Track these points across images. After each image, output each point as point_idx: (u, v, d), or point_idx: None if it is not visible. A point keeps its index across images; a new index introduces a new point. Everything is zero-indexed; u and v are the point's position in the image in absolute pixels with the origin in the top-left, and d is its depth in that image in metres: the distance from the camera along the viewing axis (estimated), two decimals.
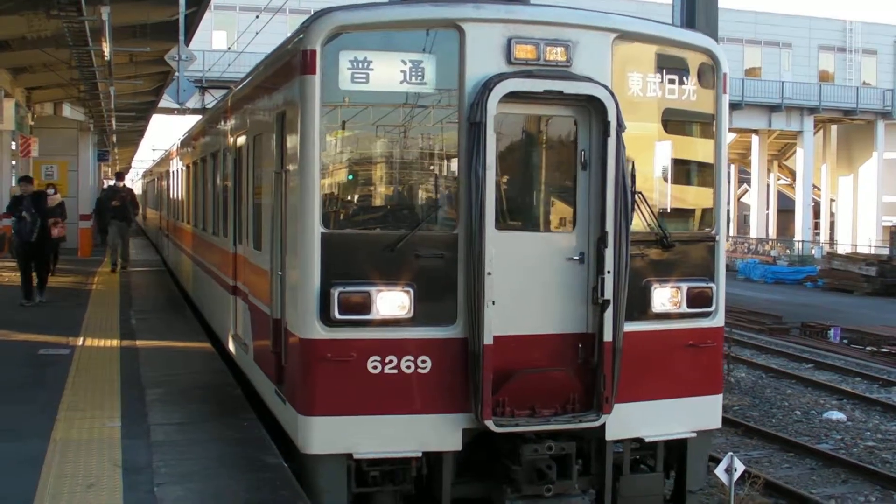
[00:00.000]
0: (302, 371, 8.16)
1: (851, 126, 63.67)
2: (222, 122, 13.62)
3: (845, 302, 36.98)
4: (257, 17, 29.49)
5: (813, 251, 55.06)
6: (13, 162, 28.88)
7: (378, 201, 8.72)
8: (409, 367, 8.04)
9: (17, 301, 19.01)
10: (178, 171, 22.53)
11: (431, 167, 8.59)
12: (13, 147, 28.60)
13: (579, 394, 8.34)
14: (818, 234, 66.10)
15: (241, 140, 11.64)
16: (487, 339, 7.96)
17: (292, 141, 8.39)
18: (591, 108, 8.35)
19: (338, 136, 8.30)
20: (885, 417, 17.22)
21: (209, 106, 34.47)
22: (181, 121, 44.16)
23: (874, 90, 62.41)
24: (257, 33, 28.31)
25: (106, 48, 19.15)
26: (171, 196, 25.01)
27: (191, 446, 9.16)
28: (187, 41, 23.35)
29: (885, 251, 48.58)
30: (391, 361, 8.01)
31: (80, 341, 14.96)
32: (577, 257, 8.45)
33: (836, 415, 17.13)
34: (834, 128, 64.72)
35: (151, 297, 21.39)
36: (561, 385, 8.33)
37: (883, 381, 20.56)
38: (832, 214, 66.79)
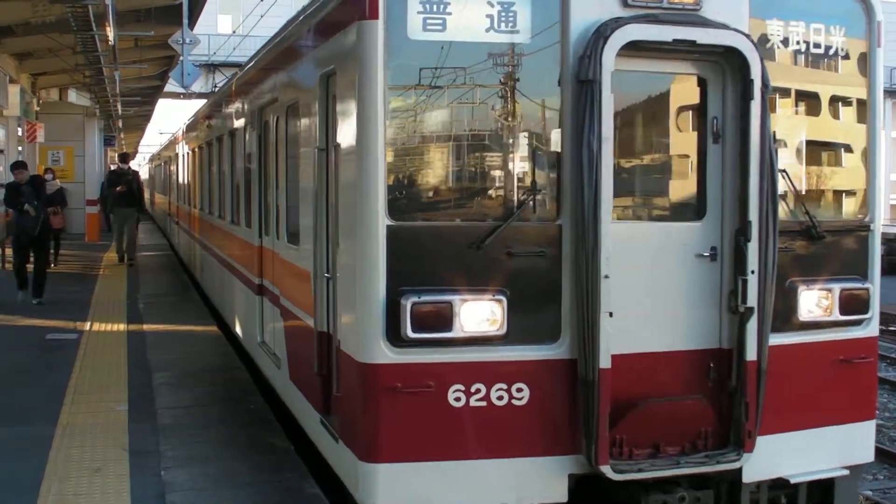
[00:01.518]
0: (363, 405, 6.41)
1: None
2: (243, 95, 11.95)
3: None
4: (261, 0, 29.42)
5: None
6: (20, 148, 28.89)
7: (458, 184, 6.87)
8: (500, 399, 6.39)
9: (15, 298, 17.27)
10: (190, 153, 20.78)
11: (526, 140, 6.80)
12: (19, 133, 28.61)
13: (712, 426, 6.72)
14: None
15: (270, 113, 9.94)
16: (604, 362, 6.30)
17: (345, 109, 6.72)
18: (726, 64, 6.72)
19: (406, 101, 6.57)
20: (894, 396, 17.19)
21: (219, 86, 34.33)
22: (188, 105, 44.10)
23: None
24: (262, 16, 28.25)
25: (110, 33, 19.15)
26: (182, 180, 23.38)
27: (198, 430, 9.18)
28: (191, 25, 23.34)
29: (893, 230, 48.45)
30: (478, 391, 6.36)
31: (87, 326, 15.02)
32: (707, 253, 6.81)
33: None
34: None
35: (158, 281, 21.44)
36: (690, 416, 6.70)
37: (891, 359, 20.52)
38: None
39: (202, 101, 26.42)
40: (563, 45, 6.46)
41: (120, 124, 49.03)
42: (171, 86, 34.69)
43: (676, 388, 6.75)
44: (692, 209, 6.97)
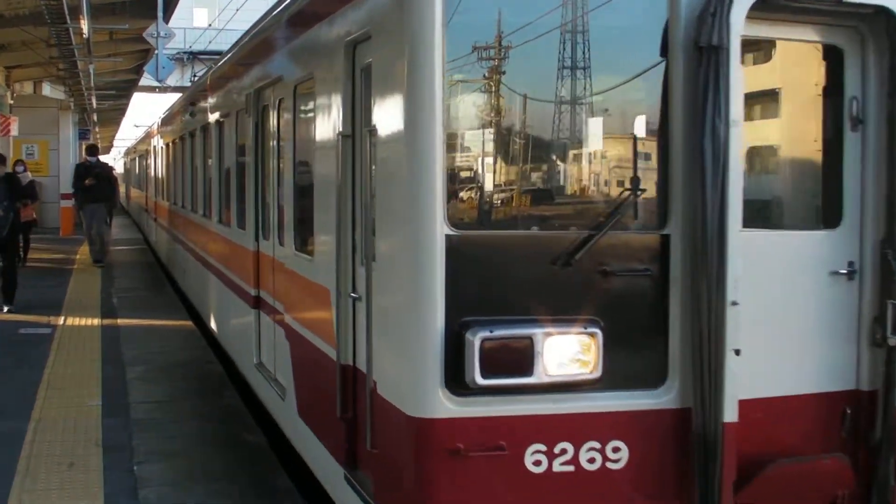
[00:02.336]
0: (413, 471, 4.97)
1: None
2: (235, 77, 10.60)
3: None
4: None
5: None
6: None
7: (536, 182, 5.43)
8: (592, 461, 4.99)
9: None
10: (170, 145, 19.37)
11: (623, 126, 5.40)
12: None
13: (850, 488, 5.34)
14: None
15: (271, 94, 8.55)
16: (729, 414, 4.93)
17: (386, 84, 5.26)
18: (868, 32, 5.33)
19: (472, 71, 5.13)
20: None
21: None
22: (163, 98, 44.04)
23: None
24: (238, 10, 28.18)
25: (84, 25, 19.06)
26: (161, 174, 22.12)
27: (171, 424, 9.18)
28: (167, 18, 23.32)
29: None
30: (564, 452, 4.96)
31: (61, 320, 14.95)
32: (844, 270, 5.42)
33: None
34: None
35: (133, 276, 21.35)
36: (825, 477, 5.34)
37: None
38: None
39: (177, 95, 26.13)
40: (672, 1, 5.06)
41: (95, 118, 48.82)
42: (147, 79, 34.61)
43: (805, 441, 5.39)
44: (824, 214, 5.57)
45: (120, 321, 14.94)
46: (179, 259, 17.67)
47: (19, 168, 20.71)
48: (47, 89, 33.57)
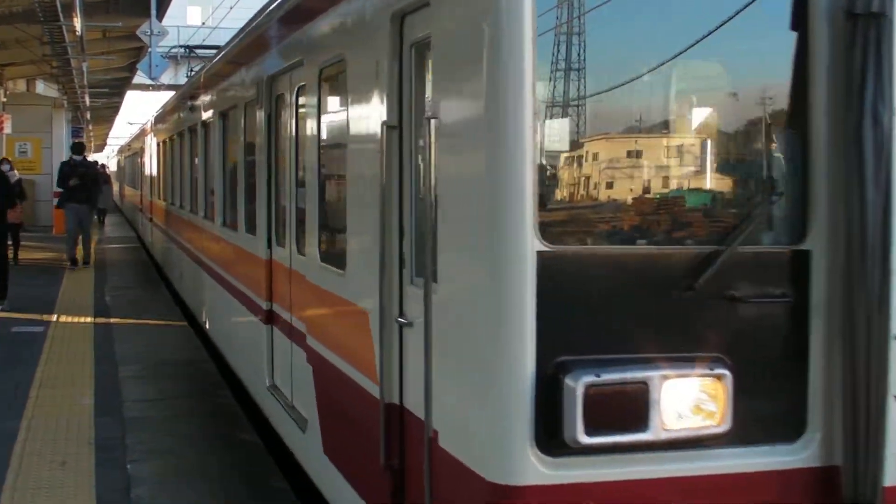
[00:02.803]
0: None
1: None
2: (243, 64, 9.69)
3: None
4: None
5: None
6: None
7: (648, 187, 4.30)
8: None
9: None
10: (167, 142, 18.56)
11: (751, 114, 4.39)
12: None
13: None
14: None
15: (287, 82, 7.65)
16: (891, 475, 4.01)
17: (453, 62, 4.28)
18: None
19: (568, 44, 4.09)
20: None
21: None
22: (156, 96, 43.98)
23: None
24: (231, 8, 28.18)
25: (77, 23, 19.04)
26: (157, 173, 21.38)
27: (164, 423, 9.14)
28: (160, 16, 23.29)
29: None
30: None
31: (53, 318, 14.90)
32: None
33: None
34: None
35: (126, 275, 21.31)
36: None
37: None
38: None
39: (171, 93, 25.88)
40: None
41: (88, 116, 48.78)
42: (140, 77, 34.55)
43: None
44: None
45: (113, 320, 14.91)
46: (175, 261, 17.21)
47: (5, 167, 19.85)
48: (40, 87, 33.54)
